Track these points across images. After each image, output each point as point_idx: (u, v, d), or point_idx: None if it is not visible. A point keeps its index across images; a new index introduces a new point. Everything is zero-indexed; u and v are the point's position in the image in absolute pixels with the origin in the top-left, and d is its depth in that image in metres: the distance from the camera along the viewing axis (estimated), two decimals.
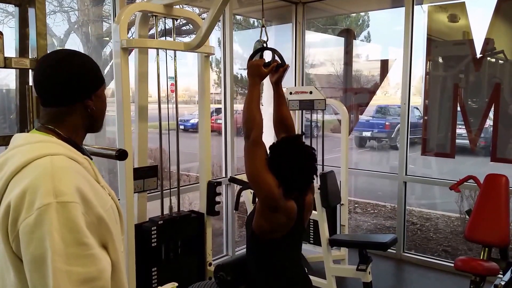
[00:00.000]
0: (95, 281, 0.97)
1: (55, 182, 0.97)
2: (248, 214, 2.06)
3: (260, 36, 2.08)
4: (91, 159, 1.16)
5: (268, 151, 1.87)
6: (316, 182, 3.09)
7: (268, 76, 1.99)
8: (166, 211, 2.97)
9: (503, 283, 2.69)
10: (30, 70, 1.98)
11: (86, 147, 1.28)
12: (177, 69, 2.96)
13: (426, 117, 4.21)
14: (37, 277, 0.94)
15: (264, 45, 2.06)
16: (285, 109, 2.09)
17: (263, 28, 2.09)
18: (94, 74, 1.17)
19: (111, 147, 1.94)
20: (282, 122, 2.08)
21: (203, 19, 2.69)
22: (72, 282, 0.93)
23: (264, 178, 1.82)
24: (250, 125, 1.85)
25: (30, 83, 2.01)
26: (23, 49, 2.06)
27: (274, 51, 2.02)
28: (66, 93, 1.11)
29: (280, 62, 1.98)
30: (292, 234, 1.92)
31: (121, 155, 1.82)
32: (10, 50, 2.01)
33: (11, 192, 0.98)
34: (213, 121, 3.28)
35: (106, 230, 1.04)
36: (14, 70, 2.01)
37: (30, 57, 1.98)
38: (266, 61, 1.97)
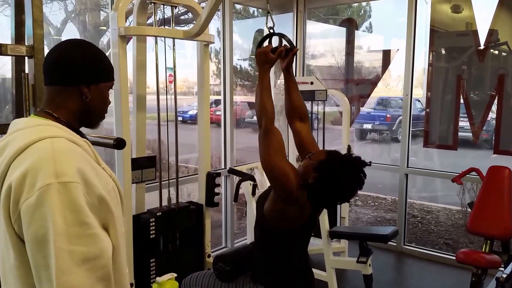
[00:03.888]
0: (97, 259, 0.98)
1: (56, 163, 0.97)
2: (262, 192, 1.98)
3: (266, 23, 2.03)
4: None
5: (324, 154, 1.69)
6: None
7: (278, 63, 1.92)
8: (164, 203, 2.94)
9: (504, 276, 2.67)
10: (26, 58, 1.95)
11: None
12: (176, 60, 2.91)
13: (428, 109, 4.17)
14: (39, 257, 0.94)
15: (271, 31, 2.01)
16: (297, 96, 1.95)
17: (269, 14, 2.03)
18: (101, 66, 1.17)
19: (109, 136, 1.90)
20: (295, 110, 1.96)
21: (203, 7, 2.64)
22: (74, 261, 0.94)
23: (279, 167, 1.72)
24: (261, 114, 1.78)
25: (26, 71, 1.98)
26: (19, 36, 2.02)
27: (281, 35, 1.97)
28: (67, 71, 1.11)
29: (288, 46, 1.92)
30: (302, 228, 1.85)
31: (119, 144, 1.78)
32: (6, 39, 1.98)
33: (12, 174, 0.98)
34: (212, 113, 3.24)
35: (107, 211, 1.04)
36: (10, 59, 1.97)
37: (26, 44, 1.93)
38: (274, 45, 1.92)
